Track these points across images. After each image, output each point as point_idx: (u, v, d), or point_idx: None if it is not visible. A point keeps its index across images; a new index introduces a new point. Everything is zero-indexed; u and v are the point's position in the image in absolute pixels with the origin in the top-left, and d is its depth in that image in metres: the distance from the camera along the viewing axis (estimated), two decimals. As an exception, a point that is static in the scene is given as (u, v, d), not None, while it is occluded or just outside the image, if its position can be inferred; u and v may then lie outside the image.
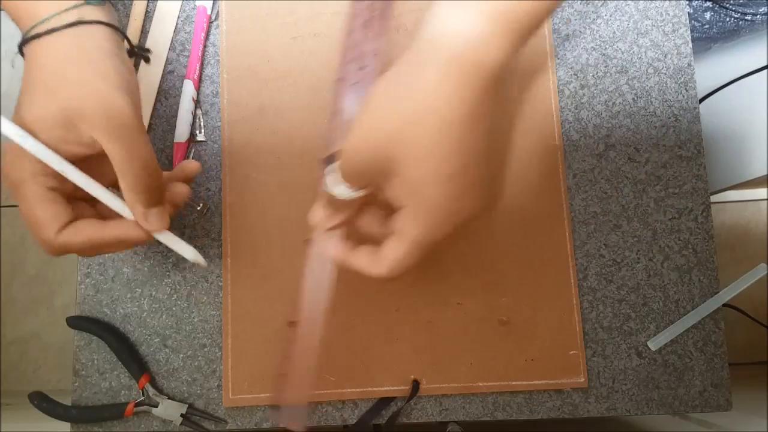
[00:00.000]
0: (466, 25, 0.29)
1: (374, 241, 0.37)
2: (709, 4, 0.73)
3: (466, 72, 0.29)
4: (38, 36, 0.34)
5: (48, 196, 0.35)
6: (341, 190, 0.35)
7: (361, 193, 0.35)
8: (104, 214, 0.38)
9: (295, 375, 0.41)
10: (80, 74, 0.34)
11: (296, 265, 0.44)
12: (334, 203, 0.36)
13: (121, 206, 0.36)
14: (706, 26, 0.74)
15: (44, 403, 0.44)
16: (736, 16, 0.72)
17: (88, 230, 0.35)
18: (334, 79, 0.41)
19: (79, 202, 0.37)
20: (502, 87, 0.31)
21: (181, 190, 0.39)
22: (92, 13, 0.35)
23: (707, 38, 0.76)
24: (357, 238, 0.39)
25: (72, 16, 0.34)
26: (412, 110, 0.30)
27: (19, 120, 0.34)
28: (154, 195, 0.36)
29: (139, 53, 0.46)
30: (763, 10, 0.72)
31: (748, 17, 0.72)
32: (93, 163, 0.36)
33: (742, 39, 0.77)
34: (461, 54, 0.29)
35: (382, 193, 0.34)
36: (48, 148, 0.34)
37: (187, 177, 0.41)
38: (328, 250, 0.39)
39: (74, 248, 0.35)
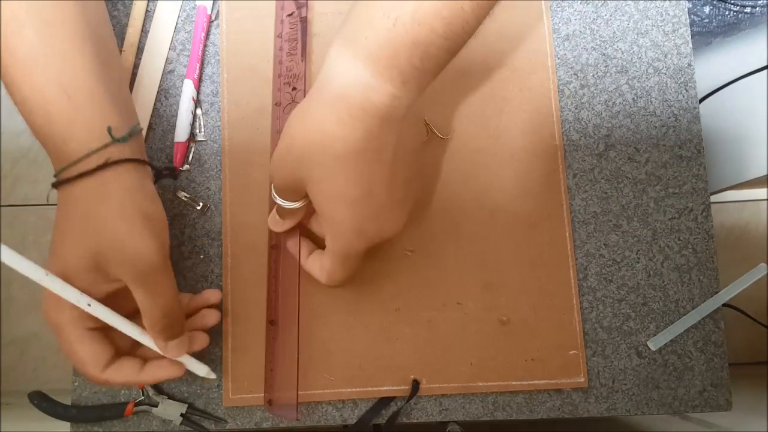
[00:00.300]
0: (348, 70, 0.31)
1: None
2: (708, -3, 0.72)
3: (354, 114, 0.31)
4: (69, 180, 0.34)
5: (87, 336, 0.36)
6: (280, 200, 0.39)
7: (296, 205, 0.39)
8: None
9: (281, 370, 0.44)
10: (105, 220, 0.34)
11: (295, 264, 0.45)
12: (281, 210, 0.41)
13: (146, 341, 0.38)
14: (706, 20, 0.74)
15: (44, 403, 0.44)
16: (735, 9, 0.72)
17: (127, 371, 0.37)
18: (272, 104, 0.46)
19: (117, 331, 0.38)
20: (397, 124, 0.33)
21: (211, 318, 0.42)
22: (119, 151, 0.35)
23: (707, 32, 0.75)
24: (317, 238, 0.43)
25: (100, 157, 0.34)
26: (313, 140, 0.33)
27: (52, 263, 0.35)
28: (175, 331, 0.38)
29: (166, 174, 0.46)
30: (762, 2, 0.71)
31: (748, 9, 0.72)
32: (119, 292, 0.37)
33: (743, 33, 0.76)
34: (348, 96, 0.31)
35: None
36: (75, 290, 0.35)
37: (211, 304, 0.43)
38: (291, 251, 0.44)
39: (116, 386, 0.38)
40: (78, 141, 0.34)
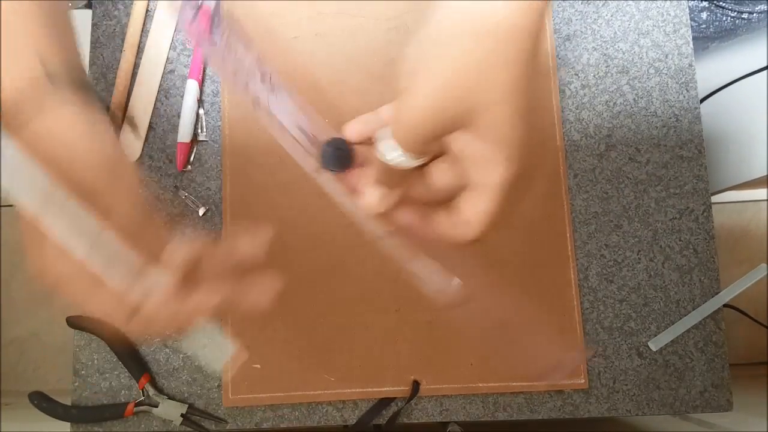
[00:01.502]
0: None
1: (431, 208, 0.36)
2: (705, 3, 0.73)
3: (507, 37, 0.30)
4: None
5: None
6: (401, 158, 0.33)
7: (422, 160, 0.34)
8: None
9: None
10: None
11: (297, 265, 0.45)
12: (391, 177, 0.35)
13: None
14: (703, 26, 0.74)
15: (44, 403, 0.44)
16: (732, 15, 0.72)
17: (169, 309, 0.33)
18: (250, 102, 0.42)
19: None
20: (538, 45, 0.31)
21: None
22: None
23: (704, 38, 0.75)
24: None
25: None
26: (482, 63, 0.31)
27: None
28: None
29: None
30: (759, 8, 0.72)
31: (745, 16, 0.72)
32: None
33: (740, 38, 0.77)
34: (500, 21, 0.29)
35: (449, 152, 0.34)
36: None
37: None
38: (406, 221, 0.37)
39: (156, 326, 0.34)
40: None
